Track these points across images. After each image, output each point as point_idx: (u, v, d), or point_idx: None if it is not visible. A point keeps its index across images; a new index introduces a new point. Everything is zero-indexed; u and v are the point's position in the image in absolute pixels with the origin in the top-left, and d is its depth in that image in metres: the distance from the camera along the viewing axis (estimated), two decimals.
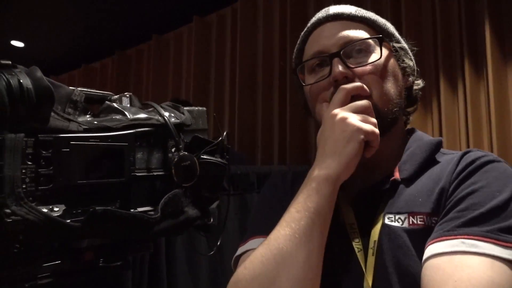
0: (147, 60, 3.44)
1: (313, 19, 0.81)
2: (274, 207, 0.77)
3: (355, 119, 0.65)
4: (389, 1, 2.08)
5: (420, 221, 0.62)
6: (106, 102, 0.66)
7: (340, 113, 0.66)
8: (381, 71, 0.72)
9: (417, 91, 0.82)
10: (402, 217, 0.64)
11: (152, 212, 0.63)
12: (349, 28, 0.75)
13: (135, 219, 0.58)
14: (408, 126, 0.85)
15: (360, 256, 0.66)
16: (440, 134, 1.89)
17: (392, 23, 0.85)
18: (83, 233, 0.55)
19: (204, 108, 0.78)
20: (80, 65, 3.94)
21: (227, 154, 0.75)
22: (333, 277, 0.68)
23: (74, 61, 3.91)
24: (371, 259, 0.64)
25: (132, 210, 0.61)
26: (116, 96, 0.67)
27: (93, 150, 0.58)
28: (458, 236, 0.54)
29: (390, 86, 0.73)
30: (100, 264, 0.62)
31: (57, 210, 0.53)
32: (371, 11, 0.82)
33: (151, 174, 0.66)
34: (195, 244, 1.20)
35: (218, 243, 0.84)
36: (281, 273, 0.59)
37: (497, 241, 0.53)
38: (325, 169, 0.65)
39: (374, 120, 0.67)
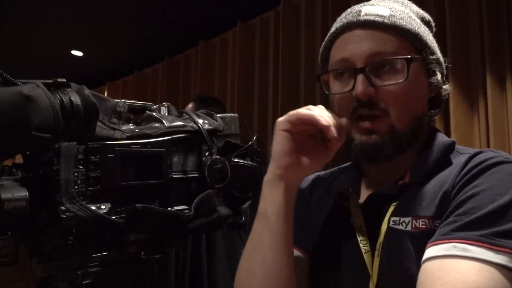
0: (195, 65, 3.57)
1: (344, 20, 0.76)
2: (297, 217, 0.76)
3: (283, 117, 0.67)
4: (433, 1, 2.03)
5: (422, 224, 0.63)
6: (147, 111, 0.73)
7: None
8: (405, 91, 0.69)
9: (444, 96, 0.78)
10: (406, 220, 0.65)
11: (187, 211, 0.70)
12: (379, 40, 0.70)
13: (170, 216, 0.65)
14: (449, 127, 0.81)
15: (367, 257, 0.68)
16: (487, 135, 1.83)
17: (436, 21, 0.78)
18: (125, 228, 0.63)
19: (236, 115, 0.84)
20: (133, 71, 4.17)
21: (257, 157, 0.81)
22: (340, 276, 0.70)
23: (127, 68, 4.15)
24: (376, 261, 0.66)
25: (169, 209, 0.68)
26: (155, 106, 0.74)
27: (135, 155, 0.66)
28: (451, 240, 0.55)
29: (413, 105, 0.71)
30: (142, 256, 0.70)
31: (104, 208, 0.61)
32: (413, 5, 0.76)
33: (187, 176, 0.72)
34: (233, 240, 1.27)
35: None
36: (248, 273, 0.69)
37: (490, 246, 0.53)
38: (267, 173, 0.69)
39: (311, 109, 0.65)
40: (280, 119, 0.67)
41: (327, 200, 0.81)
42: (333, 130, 0.63)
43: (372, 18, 0.71)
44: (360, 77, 0.68)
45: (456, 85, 1.92)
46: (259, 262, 0.67)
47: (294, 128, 0.66)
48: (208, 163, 0.74)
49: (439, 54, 0.76)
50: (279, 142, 0.67)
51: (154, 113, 0.72)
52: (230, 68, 3.19)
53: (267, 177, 0.69)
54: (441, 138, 0.75)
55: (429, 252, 0.57)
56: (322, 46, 0.81)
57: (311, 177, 0.89)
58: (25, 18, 3.19)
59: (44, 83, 0.54)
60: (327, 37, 0.80)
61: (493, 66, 1.84)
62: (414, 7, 0.77)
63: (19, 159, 0.61)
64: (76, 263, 0.62)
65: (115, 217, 0.62)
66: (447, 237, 0.56)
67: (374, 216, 0.69)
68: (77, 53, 3.93)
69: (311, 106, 0.67)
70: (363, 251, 0.68)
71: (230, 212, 0.78)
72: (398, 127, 0.69)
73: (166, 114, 0.75)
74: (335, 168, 0.88)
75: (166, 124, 0.71)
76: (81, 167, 0.59)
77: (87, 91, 0.52)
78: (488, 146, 1.82)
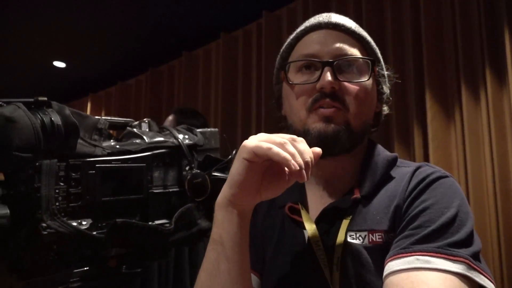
0: (178, 76, 3.59)
1: (313, 21, 0.79)
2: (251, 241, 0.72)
3: (250, 140, 0.60)
4: (409, 11, 2.10)
5: (378, 238, 0.65)
6: (128, 128, 0.74)
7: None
8: (364, 93, 0.73)
9: (383, 117, 0.84)
10: (363, 234, 0.66)
11: (167, 225, 0.71)
12: (346, 42, 0.75)
13: (151, 230, 0.67)
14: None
15: (326, 272, 0.68)
16: (463, 144, 1.88)
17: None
18: (106, 243, 0.64)
19: (216, 129, 0.86)
20: (117, 82, 4.16)
21: None
22: None
23: (110, 79, 4.14)
24: (336, 275, 0.66)
25: (149, 223, 0.70)
26: (136, 122, 0.76)
27: (116, 171, 0.67)
28: (413, 253, 0.58)
29: (367, 109, 0.75)
30: (123, 271, 0.71)
31: (85, 223, 0.62)
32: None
33: (167, 190, 0.74)
34: None
35: None
36: None
37: (447, 256, 0.56)
38: (220, 196, 0.64)
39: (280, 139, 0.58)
40: (247, 144, 0.59)
41: (275, 215, 0.80)
42: (304, 175, 0.56)
43: (342, 22, 0.77)
44: (327, 69, 0.71)
45: (432, 96, 1.98)
46: None
47: (259, 160, 0.58)
48: (189, 177, 0.75)
49: (386, 73, 0.82)
50: (238, 170, 0.60)
51: (135, 129, 0.74)
52: (214, 79, 3.22)
53: (220, 201, 0.64)
54: (383, 152, 0.78)
55: (392, 265, 0.58)
56: (286, 43, 0.83)
57: None
58: (4, 28, 3.17)
59: (25, 102, 0.55)
60: (292, 35, 0.82)
61: (467, 78, 1.91)
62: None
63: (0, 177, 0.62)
64: (57, 279, 0.63)
65: (96, 233, 0.63)
66: (408, 250, 0.59)
67: (329, 230, 0.70)
68: (59, 64, 3.90)
69: (285, 139, 0.59)
70: (322, 266, 0.68)
71: (210, 225, 0.79)
72: (353, 124, 0.72)
73: (147, 130, 0.76)
74: None
75: (146, 140, 0.72)
76: (62, 183, 0.60)
77: (67, 111, 0.54)
78: (465, 155, 1.88)
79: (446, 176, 0.69)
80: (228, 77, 3.05)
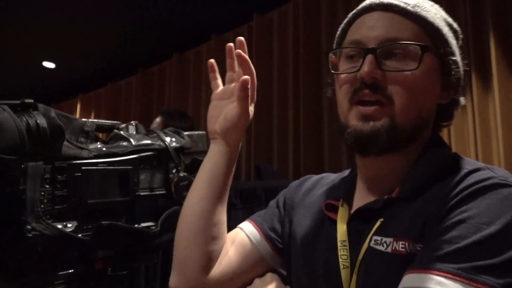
0: (169, 77, 3.58)
1: (365, 2, 0.71)
2: (272, 207, 0.83)
3: None
4: None
5: (402, 247, 0.59)
6: (115, 130, 0.75)
7: None
8: (415, 83, 0.64)
9: (456, 108, 0.72)
10: (388, 241, 0.61)
11: (153, 227, 0.72)
12: (397, 25, 0.66)
13: (136, 232, 0.67)
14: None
15: (344, 273, 0.65)
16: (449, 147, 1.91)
17: None
18: (92, 245, 0.64)
19: (204, 132, 0.86)
20: (107, 83, 4.14)
21: None
22: (315, 286, 0.69)
23: (101, 80, 4.12)
24: (354, 278, 0.63)
25: (136, 225, 0.70)
26: (123, 125, 0.76)
27: (102, 173, 0.67)
28: (428, 271, 0.52)
29: (419, 101, 0.65)
30: (109, 273, 0.71)
31: (70, 226, 0.62)
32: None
33: (154, 193, 0.74)
34: None
35: None
36: (180, 220, 0.71)
37: (467, 281, 0.49)
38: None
39: None
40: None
41: (317, 207, 0.77)
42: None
43: (395, 2, 0.67)
44: (368, 57, 0.64)
45: None
46: (192, 209, 0.71)
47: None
48: (175, 180, 0.76)
49: (459, 60, 0.70)
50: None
51: (121, 131, 0.74)
52: (204, 81, 3.22)
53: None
54: (440, 151, 0.68)
55: (406, 280, 0.54)
56: (340, 28, 0.76)
57: (315, 177, 0.85)
58: None
59: (11, 105, 0.55)
60: (346, 18, 0.75)
61: None
62: (443, 13, 0.72)
63: None
64: (42, 281, 0.63)
65: (82, 235, 0.63)
66: (425, 266, 0.53)
67: (359, 231, 0.66)
68: (49, 64, 3.87)
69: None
70: (341, 266, 0.65)
71: None
72: (399, 121, 0.64)
73: (134, 132, 0.77)
74: (337, 177, 0.83)
75: (133, 143, 0.73)
76: (47, 186, 0.61)
77: (53, 114, 0.54)
78: None
79: (507, 185, 0.56)
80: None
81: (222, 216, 0.73)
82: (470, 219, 0.54)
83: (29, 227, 0.57)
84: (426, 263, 0.53)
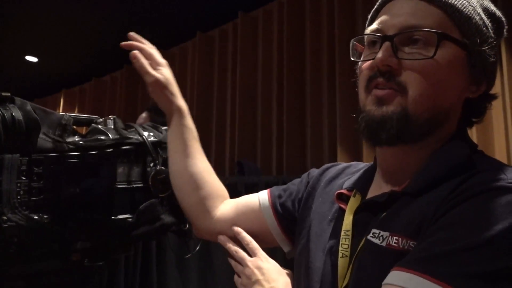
0: None
1: None
2: (294, 184, 0.86)
3: None
4: None
5: (395, 243, 0.58)
6: (93, 124, 0.76)
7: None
8: (432, 72, 0.61)
9: (486, 104, 0.68)
10: (385, 235, 0.60)
11: (130, 219, 0.73)
12: (420, 12, 0.63)
13: (113, 224, 0.68)
14: None
15: (342, 261, 0.65)
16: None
17: None
18: (69, 237, 0.65)
19: None
20: (91, 78, 4.10)
21: None
22: (311, 275, 0.70)
23: (85, 75, 4.08)
24: (350, 268, 0.64)
25: (113, 217, 0.71)
26: (101, 119, 0.77)
27: (79, 166, 0.69)
28: (411, 271, 0.51)
29: (436, 91, 0.62)
30: (85, 264, 0.72)
31: (47, 217, 0.63)
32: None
33: (131, 186, 0.76)
34: (181, 249, 1.30)
35: (198, 247, 0.94)
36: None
37: (447, 285, 0.48)
38: None
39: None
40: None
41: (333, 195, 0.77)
42: None
43: None
44: (385, 45, 0.62)
45: None
46: (171, 172, 0.80)
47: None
48: (152, 173, 0.77)
49: (493, 52, 0.66)
50: None
51: (99, 126, 0.75)
52: (189, 78, 3.22)
53: None
54: (457, 148, 0.64)
55: (390, 277, 0.53)
56: (369, 16, 0.75)
57: (341, 165, 0.85)
58: None
59: None
60: (376, 6, 0.73)
61: None
62: (485, 1, 0.68)
63: None
64: (18, 273, 0.64)
65: (58, 227, 0.64)
66: (409, 266, 0.52)
67: (364, 223, 0.66)
68: (31, 58, 3.82)
69: None
70: (340, 254, 0.66)
71: (174, 220, 0.82)
72: (411, 110, 0.61)
73: (112, 127, 0.78)
74: (364, 166, 0.81)
75: (111, 137, 0.74)
76: (24, 178, 0.61)
77: (29, 107, 0.55)
78: None
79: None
80: (204, 76, 3.06)
81: (198, 167, 0.82)
82: (465, 221, 0.52)
83: (4, 217, 0.58)
84: (411, 263, 0.52)
